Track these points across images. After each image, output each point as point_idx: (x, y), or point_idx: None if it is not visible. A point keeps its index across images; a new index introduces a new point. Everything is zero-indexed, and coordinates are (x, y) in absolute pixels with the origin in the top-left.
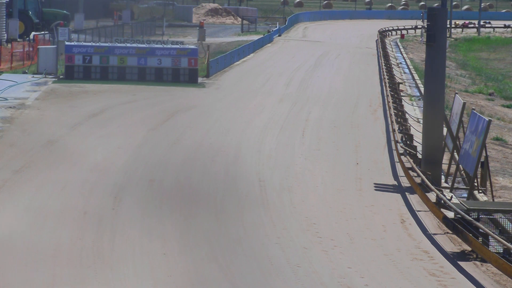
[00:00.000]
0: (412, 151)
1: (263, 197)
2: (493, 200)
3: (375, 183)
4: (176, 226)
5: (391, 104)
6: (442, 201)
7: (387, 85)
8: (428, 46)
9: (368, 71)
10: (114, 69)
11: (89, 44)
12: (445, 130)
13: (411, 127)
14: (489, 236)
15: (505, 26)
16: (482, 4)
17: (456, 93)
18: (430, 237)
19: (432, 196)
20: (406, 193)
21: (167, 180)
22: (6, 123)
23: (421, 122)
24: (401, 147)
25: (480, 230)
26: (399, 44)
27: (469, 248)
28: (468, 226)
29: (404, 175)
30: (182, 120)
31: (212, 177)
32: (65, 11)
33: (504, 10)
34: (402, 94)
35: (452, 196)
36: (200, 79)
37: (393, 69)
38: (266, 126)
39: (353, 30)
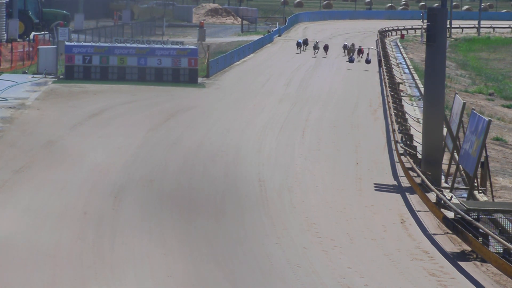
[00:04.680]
0: (412, 151)
1: (263, 197)
2: (493, 200)
3: (375, 183)
4: (176, 226)
5: (391, 104)
6: (442, 201)
7: (387, 85)
8: (428, 46)
9: (368, 71)
10: (114, 69)
11: (89, 44)
12: (445, 130)
13: (411, 127)
14: (489, 236)
15: None
16: (482, 4)
17: (456, 93)
18: (430, 237)
19: (432, 196)
20: (406, 193)
21: (167, 180)
22: (6, 123)
23: (421, 122)
24: (401, 147)
25: (480, 230)
26: (399, 44)
27: (469, 248)
28: (468, 226)
29: (404, 175)
30: (182, 120)
31: (212, 177)
32: (65, 11)
33: (504, 10)
34: (402, 94)
35: (452, 196)
36: (200, 79)
37: (393, 69)
38: (266, 126)
39: (353, 30)
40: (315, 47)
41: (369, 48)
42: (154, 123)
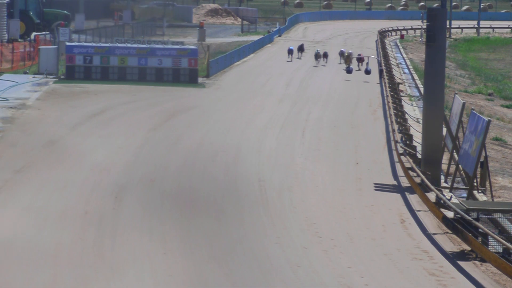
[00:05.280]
0: (411, 151)
1: (263, 197)
2: (492, 200)
3: (375, 183)
4: (176, 226)
5: (391, 104)
6: (442, 201)
7: (387, 85)
8: (427, 46)
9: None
10: (115, 69)
11: (90, 44)
12: (444, 130)
13: (410, 127)
14: (489, 236)
15: None
16: (482, 4)
17: (456, 93)
18: (429, 237)
19: (431, 196)
20: (406, 193)
21: (167, 180)
22: (7, 123)
23: (421, 122)
24: (401, 147)
25: (480, 230)
26: (399, 44)
27: (468, 248)
28: (468, 226)
29: (404, 175)
30: (183, 120)
31: (212, 177)
32: (65, 12)
33: (503, 11)
34: (402, 94)
35: (451, 196)
36: (200, 79)
37: (393, 69)
38: (266, 126)
39: (353, 30)
40: (317, 56)
41: (368, 57)
42: (154, 123)
